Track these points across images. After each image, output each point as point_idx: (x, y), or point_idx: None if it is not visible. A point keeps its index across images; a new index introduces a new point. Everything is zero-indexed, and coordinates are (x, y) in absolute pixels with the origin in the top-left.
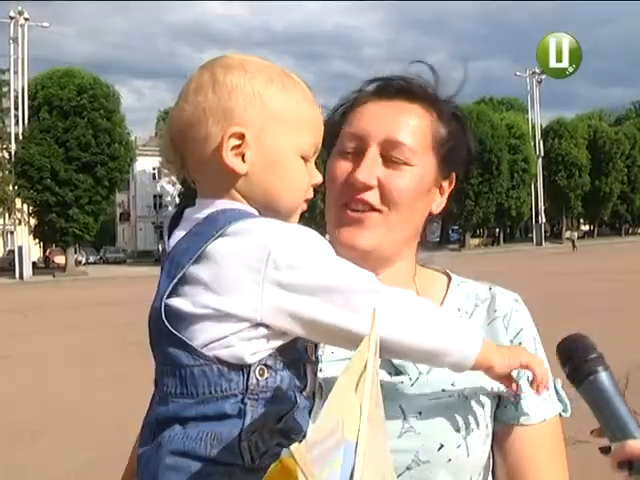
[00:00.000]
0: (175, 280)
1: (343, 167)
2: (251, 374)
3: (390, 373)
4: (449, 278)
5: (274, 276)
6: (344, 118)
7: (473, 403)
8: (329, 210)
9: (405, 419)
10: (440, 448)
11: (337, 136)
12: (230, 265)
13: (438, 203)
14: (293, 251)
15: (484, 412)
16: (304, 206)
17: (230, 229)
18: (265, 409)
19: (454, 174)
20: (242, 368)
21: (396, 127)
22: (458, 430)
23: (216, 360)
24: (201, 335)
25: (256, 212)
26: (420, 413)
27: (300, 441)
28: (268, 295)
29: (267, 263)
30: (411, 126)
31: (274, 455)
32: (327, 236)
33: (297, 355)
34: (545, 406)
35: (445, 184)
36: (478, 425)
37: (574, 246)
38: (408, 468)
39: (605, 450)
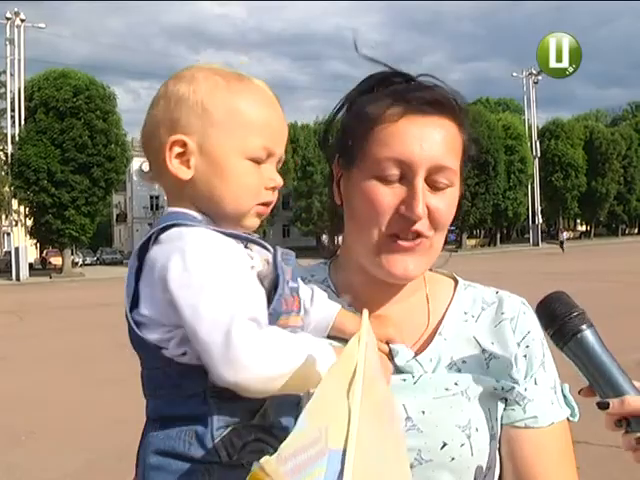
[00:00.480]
0: (130, 287)
1: (388, 196)
2: None
3: (395, 371)
4: (456, 282)
5: (166, 290)
6: (372, 133)
7: (477, 403)
8: (368, 235)
9: (408, 417)
10: (443, 447)
11: (363, 153)
12: (148, 275)
13: None
14: (185, 270)
15: (489, 412)
16: (260, 209)
17: (161, 236)
18: (231, 406)
19: None
20: (201, 367)
21: (440, 151)
22: (462, 429)
23: (174, 361)
24: (155, 338)
25: (198, 218)
26: (423, 412)
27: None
28: (165, 304)
29: (162, 276)
30: (451, 147)
31: (255, 451)
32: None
33: None
34: (553, 410)
35: None
36: (482, 425)
37: (562, 248)
38: (411, 466)
39: (603, 405)
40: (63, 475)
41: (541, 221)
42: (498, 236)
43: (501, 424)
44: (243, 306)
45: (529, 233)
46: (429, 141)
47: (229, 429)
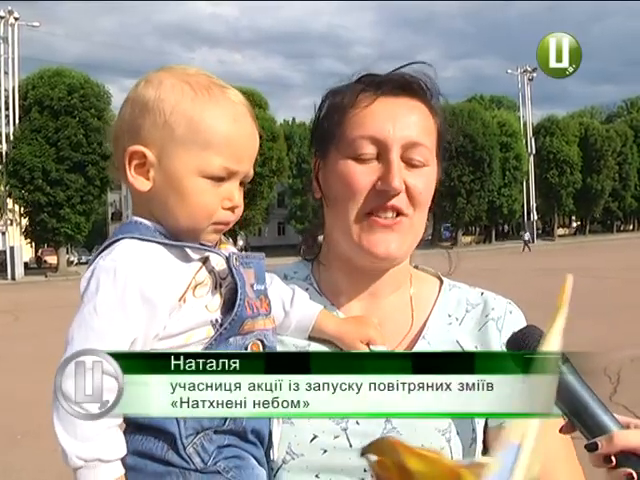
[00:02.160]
0: None
1: (364, 173)
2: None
3: None
4: (441, 282)
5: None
6: (346, 118)
7: None
8: (346, 217)
9: (387, 420)
10: None
11: (339, 137)
12: None
13: None
14: (88, 288)
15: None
16: (217, 227)
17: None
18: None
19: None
20: None
21: (413, 128)
22: (442, 432)
23: None
24: None
25: (152, 229)
26: (403, 415)
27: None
28: None
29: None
30: (424, 126)
31: (230, 457)
32: (321, 237)
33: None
34: None
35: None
36: (463, 428)
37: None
38: None
39: (592, 447)
40: (59, 475)
41: (536, 218)
42: (493, 233)
43: (485, 428)
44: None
45: (524, 230)
46: (402, 120)
47: (200, 435)
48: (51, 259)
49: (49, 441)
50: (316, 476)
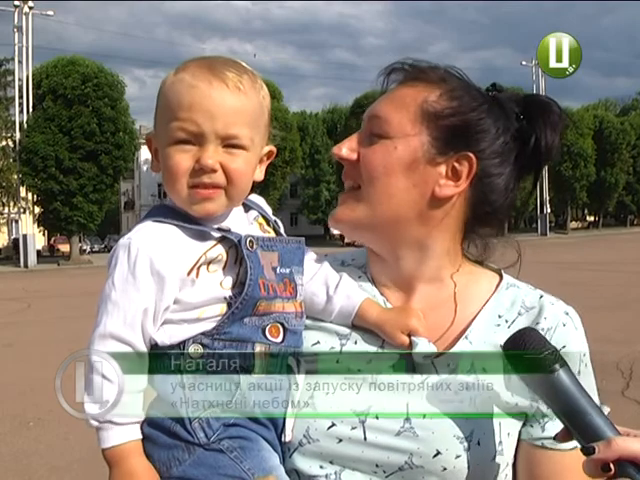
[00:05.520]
0: None
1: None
2: (185, 352)
3: (405, 368)
4: (500, 278)
5: None
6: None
7: (486, 414)
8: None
9: (407, 418)
10: (436, 455)
11: None
12: None
13: (446, 185)
14: (109, 264)
15: (499, 427)
16: (200, 192)
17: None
18: (205, 387)
19: (472, 155)
20: (177, 346)
21: (379, 104)
22: (460, 440)
23: (153, 339)
24: None
25: (172, 212)
26: (424, 415)
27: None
28: None
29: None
30: (395, 101)
31: (236, 437)
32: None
33: (241, 335)
34: None
35: (458, 166)
36: (488, 439)
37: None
38: (400, 469)
39: (588, 451)
40: (70, 461)
41: (549, 211)
42: (506, 225)
43: (519, 439)
44: (109, 322)
45: (537, 223)
46: (383, 99)
47: (207, 412)
48: (64, 247)
49: (60, 427)
50: (330, 462)
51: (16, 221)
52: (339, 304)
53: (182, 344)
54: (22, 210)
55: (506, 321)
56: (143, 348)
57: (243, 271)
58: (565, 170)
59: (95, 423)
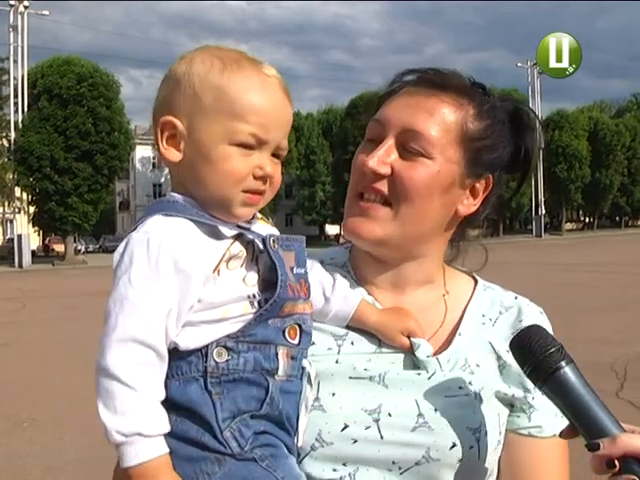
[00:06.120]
0: None
1: (361, 154)
2: (209, 356)
3: (410, 365)
4: (475, 281)
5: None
6: (379, 108)
7: (488, 406)
8: (348, 197)
9: (420, 414)
10: (452, 447)
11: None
12: None
13: (467, 205)
14: (121, 261)
15: (498, 417)
16: (248, 198)
17: (139, 225)
18: (234, 393)
19: (490, 176)
20: (200, 350)
21: (416, 117)
22: (472, 432)
23: (174, 343)
24: None
25: (185, 205)
26: (435, 410)
27: (293, 430)
28: None
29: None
30: (435, 117)
31: (266, 445)
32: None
33: (266, 337)
34: (556, 421)
35: (478, 185)
36: (492, 429)
37: None
38: (417, 464)
39: (593, 447)
40: (65, 462)
41: (544, 212)
42: (501, 227)
43: (505, 429)
44: (131, 327)
45: (532, 224)
46: (411, 107)
47: (237, 419)
48: (58, 247)
49: (55, 428)
50: (343, 464)
51: (11, 221)
52: (336, 306)
53: (205, 348)
54: (17, 210)
55: (490, 319)
56: (166, 352)
57: (266, 269)
58: (560, 171)
59: (120, 438)
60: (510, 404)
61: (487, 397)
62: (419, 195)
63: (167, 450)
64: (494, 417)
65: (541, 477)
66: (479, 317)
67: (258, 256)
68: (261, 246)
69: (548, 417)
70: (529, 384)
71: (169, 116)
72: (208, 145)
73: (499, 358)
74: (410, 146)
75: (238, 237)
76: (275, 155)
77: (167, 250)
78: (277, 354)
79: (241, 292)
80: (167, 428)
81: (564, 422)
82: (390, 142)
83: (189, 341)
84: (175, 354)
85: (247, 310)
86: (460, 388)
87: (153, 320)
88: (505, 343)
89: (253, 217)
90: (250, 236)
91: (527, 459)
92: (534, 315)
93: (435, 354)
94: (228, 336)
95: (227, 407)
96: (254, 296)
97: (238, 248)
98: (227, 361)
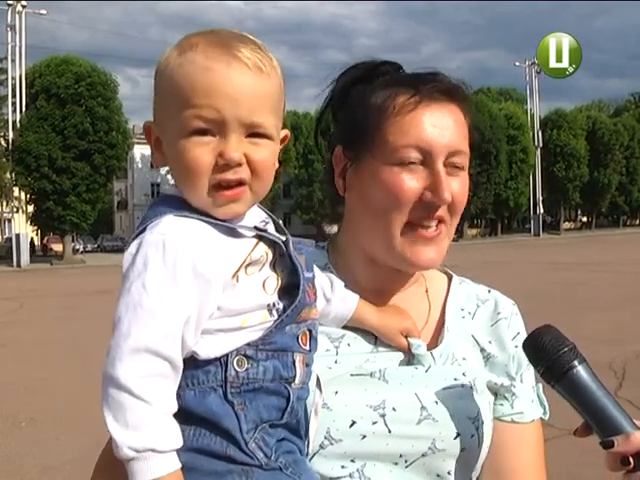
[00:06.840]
0: None
1: (412, 181)
2: (229, 365)
3: (405, 361)
4: (449, 277)
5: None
6: (388, 124)
7: (481, 395)
8: (389, 225)
9: (423, 407)
10: (457, 437)
11: (379, 142)
12: None
13: None
14: (134, 264)
15: (489, 406)
16: (222, 192)
17: (151, 225)
18: (256, 403)
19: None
20: (219, 360)
21: (455, 135)
22: (472, 420)
23: (192, 352)
24: None
25: (179, 200)
26: (436, 402)
27: (305, 434)
28: None
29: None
30: (460, 131)
31: (288, 452)
32: (331, 228)
33: (284, 345)
34: (533, 407)
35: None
36: (486, 417)
37: None
38: (423, 455)
39: (607, 444)
40: (63, 462)
41: (542, 211)
42: (499, 226)
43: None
44: (145, 336)
45: (530, 223)
46: (445, 126)
47: (259, 429)
48: (56, 247)
49: (52, 428)
50: (351, 461)
51: (9, 220)
52: (336, 307)
53: (225, 357)
54: (15, 209)
55: (469, 313)
56: (181, 363)
57: (286, 274)
58: (558, 171)
59: (132, 454)
60: (495, 392)
61: (480, 386)
62: (463, 207)
63: (179, 465)
64: (487, 406)
65: (523, 460)
66: (458, 311)
67: (277, 260)
68: (284, 249)
69: (527, 403)
70: (513, 372)
71: (148, 121)
72: (171, 144)
73: (482, 350)
74: (456, 164)
75: (260, 240)
76: (256, 135)
77: (185, 253)
78: (294, 362)
79: (261, 300)
80: (180, 442)
81: (538, 408)
82: (443, 169)
83: (209, 350)
84: (190, 363)
85: (266, 318)
86: (456, 380)
87: (169, 329)
88: (486, 335)
89: (267, 220)
90: (271, 238)
91: (509, 444)
92: (508, 306)
93: (427, 349)
94: (248, 344)
95: (251, 418)
96: (273, 305)
97: (260, 253)
98: (247, 370)
